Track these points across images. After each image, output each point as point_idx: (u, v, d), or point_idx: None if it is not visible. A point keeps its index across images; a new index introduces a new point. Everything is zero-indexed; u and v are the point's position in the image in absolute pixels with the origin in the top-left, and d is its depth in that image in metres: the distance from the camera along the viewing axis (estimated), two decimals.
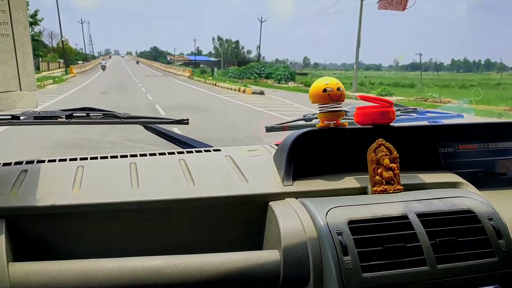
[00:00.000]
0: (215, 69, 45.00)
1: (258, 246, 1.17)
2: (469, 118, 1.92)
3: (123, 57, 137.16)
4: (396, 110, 1.78)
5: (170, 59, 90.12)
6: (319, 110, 1.27)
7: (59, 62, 47.51)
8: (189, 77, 37.38)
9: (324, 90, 1.23)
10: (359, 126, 1.32)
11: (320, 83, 1.24)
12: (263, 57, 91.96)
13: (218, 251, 1.04)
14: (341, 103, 1.27)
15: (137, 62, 78.58)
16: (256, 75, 36.07)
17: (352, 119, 1.35)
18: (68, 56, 54.04)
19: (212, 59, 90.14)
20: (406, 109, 1.80)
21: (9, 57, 1.17)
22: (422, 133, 1.38)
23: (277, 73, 35.64)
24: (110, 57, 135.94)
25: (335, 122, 1.28)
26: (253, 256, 1.02)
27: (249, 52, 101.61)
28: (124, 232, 1.15)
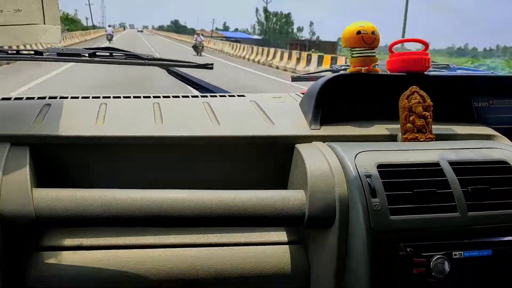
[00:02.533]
0: None
1: (284, 187, 1.15)
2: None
3: (141, 31, 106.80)
4: None
5: (202, 35, 76.47)
6: (352, 54, 1.22)
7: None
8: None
9: (358, 33, 1.17)
10: (392, 73, 1.27)
11: (354, 26, 1.19)
12: (317, 37, 78.29)
13: (242, 189, 1.02)
14: (374, 48, 1.22)
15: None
16: None
17: (385, 66, 1.30)
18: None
19: (254, 36, 75.58)
20: (437, 65, 1.73)
21: None
22: (456, 83, 1.33)
23: None
24: (124, 29, 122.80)
25: (367, 68, 1.23)
26: (279, 194, 1.00)
27: (299, 29, 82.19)
28: (147, 166, 1.14)
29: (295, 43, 44.08)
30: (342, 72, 1.24)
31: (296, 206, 0.99)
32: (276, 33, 76.74)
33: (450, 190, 0.99)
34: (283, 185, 1.15)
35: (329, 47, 34.28)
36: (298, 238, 1.11)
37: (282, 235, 1.12)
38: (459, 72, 1.68)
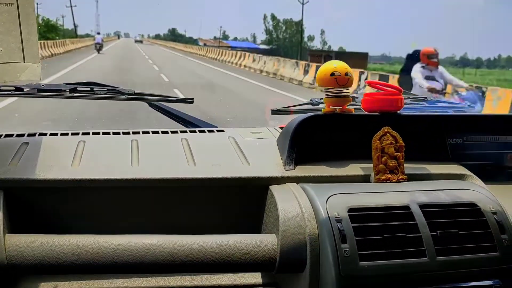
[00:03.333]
0: None
1: (257, 230, 1.16)
2: (479, 110, 1.88)
3: (139, 41, 79.66)
4: (406, 98, 1.76)
5: (205, 44, 60.70)
6: (326, 95, 1.24)
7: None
8: None
9: (332, 74, 1.20)
10: (365, 113, 1.29)
11: (328, 67, 1.21)
12: (329, 46, 70.47)
13: (216, 233, 1.03)
14: (348, 88, 1.24)
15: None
16: None
17: (360, 105, 1.32)
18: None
19: (261, 46, 67.50)
20: (416, 97, 1.76)
21: (13, 27, 1.15)
22: (430, 123, 1.35)
23: None
24: (118, 37, 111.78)
25: (341, 107, 1.25)
26: (250, 239, 1.01)
27: (310, 38, 73.96)
28: (122, 209, 1.14)
29: (317, 54, 37.62)
30: (315, 113, 1.26)
31: (267, 251, 1.00)
32: (286, 42, 68.74)
33: (420, 234, 1.01)
34: (258, 227, 1.16)
35: (358, 59, 27.40)
36: (272, 281, 1.12)
37: (256, 277, 1.13)
38: (436, 106, 1.71)
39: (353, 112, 1.27)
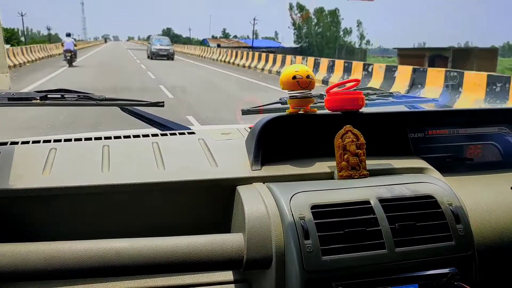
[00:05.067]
0: None
1: (227, 229, 1.20)
2: (444, 102, 1.95)
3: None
4: (372, 94, 1.82)
5: (218, 45, 45.33)
6: (289, 96, 1.29)
7: None
8: None
9: (294, 77, 1.24)
10: (328, 112, 1.34)
11: (290, 70, 1.25)
12: (368, 41, 57.07)
13: (187, 234, 1.07)
14: (310, 90, 1.29)
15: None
16: None
17: (324, 104, 1.37)
18: None
19: (283, 45, 55.09)
20: (382, 93, 1.82)
21: None
22: (391, 119, 1.40)
23: None
24: (105, 41, 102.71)
25: (304, 108, 1.30)
26: (217, 239, 1.05)
27: (347, 32, 57.10)
28: (93, 215, 1.17)
29: (412, 54, 26.48)
30: (279, 114, 1.31)
31: (235, 250, 1.04)
32: (319, 37, 54.09)
33: (379, 228, 1.06)
34: (227, 226, 1.21)
35: (485, 58, 20.00)
36: (243, 278, 1.17)
37: (228, 275, 1.17)
38: (402, 101, 1.77)
39: (316, 112, 1.31)
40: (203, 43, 57.99)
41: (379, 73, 12.73)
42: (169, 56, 28.13)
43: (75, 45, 20.31)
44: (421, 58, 22.76)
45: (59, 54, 26.35)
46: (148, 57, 28.75)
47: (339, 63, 15.21)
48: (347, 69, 14.55)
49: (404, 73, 11.71)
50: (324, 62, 16.32)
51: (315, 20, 54.83)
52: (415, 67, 11.53)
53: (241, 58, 24.84)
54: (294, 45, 54.71)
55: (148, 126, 1.67)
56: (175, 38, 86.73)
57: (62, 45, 20.81)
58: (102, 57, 32.45)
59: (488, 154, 1.50)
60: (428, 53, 26.29)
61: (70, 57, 19.64)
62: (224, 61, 27.48)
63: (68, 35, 20.25)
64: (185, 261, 1.01)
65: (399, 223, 1.07)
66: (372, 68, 13.17)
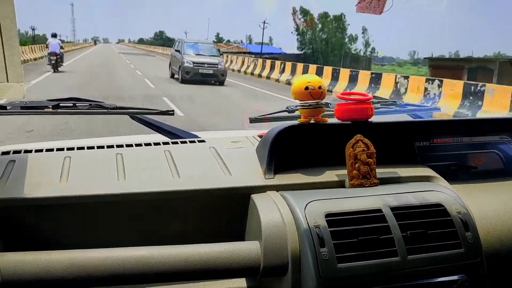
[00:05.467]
0: None
1: (241, 237, 1.23)
2: (446, 111, 1.99)
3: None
4: (376, 103, 1.85)
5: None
6: (301, 106, 1.32)
7: None
8: None
9: (306, 88, 1.27)
10: (338, 121, 1.37)
11: (302, 81, 1.29)
12: (373, 48, 56.36)
13: (202, 242, 1.09)
14: (322, 100, 1.32)
15: None
16: None
17: (333, 112, 1.40)
18: None
19: (284, 51, 52.15)
20: (386, 102, 1.86)
21: None
22: (398, 129, 1.44)
23: None
24: (95, 43, 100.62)
25: (316, 117, 1.33)
26: (235, 247, 1.08)
27: (352, 38, 55.38)
28: (111, 223, 1.19)
29: (449, 65, 23.04)
30: (292, 124, 1.33)
31: (251, 258, 1.07)
32: (324, 44, 51.34)
33: (392, 236, 1.09)
34: (242, 234, 1.23)
35: None
36: (257, 285, 1.19)
37: (242, 282, 1.19)
38: (405, 110, 1.81)
39: (327, 122, 1.34)
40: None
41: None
42: (218, 78, 16.24)
43: (61, 47, 18.14)
44: (459, 70, 19.97)
45: (41, 58, 24.56)
46: (178, 78, 16.43)
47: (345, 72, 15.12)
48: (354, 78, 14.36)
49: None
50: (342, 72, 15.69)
51: (320, 26, 52.34)
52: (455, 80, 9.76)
53: (260, 67, 21.83)
54: (297, 52, 52.35)
55: (154, 132, 1.69)
56: (168, 42, 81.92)
57: (47, 46, 18.82)
58: (92, 59, 31.32)
59: (491, 162, 1.54)
60: (468, 64, 23.14)
61: (56, 61, 17.45)
62: (239, 71, 23.52)
63: (54, 35, 18.55)
64: (203, 269, 1.03)
65: (410, 231, 1.11)
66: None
